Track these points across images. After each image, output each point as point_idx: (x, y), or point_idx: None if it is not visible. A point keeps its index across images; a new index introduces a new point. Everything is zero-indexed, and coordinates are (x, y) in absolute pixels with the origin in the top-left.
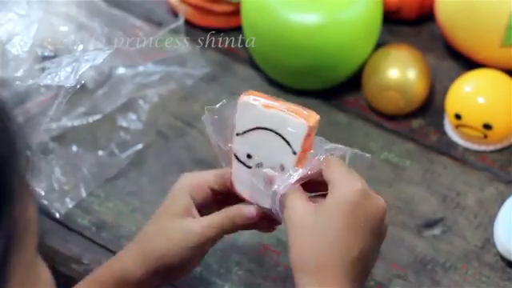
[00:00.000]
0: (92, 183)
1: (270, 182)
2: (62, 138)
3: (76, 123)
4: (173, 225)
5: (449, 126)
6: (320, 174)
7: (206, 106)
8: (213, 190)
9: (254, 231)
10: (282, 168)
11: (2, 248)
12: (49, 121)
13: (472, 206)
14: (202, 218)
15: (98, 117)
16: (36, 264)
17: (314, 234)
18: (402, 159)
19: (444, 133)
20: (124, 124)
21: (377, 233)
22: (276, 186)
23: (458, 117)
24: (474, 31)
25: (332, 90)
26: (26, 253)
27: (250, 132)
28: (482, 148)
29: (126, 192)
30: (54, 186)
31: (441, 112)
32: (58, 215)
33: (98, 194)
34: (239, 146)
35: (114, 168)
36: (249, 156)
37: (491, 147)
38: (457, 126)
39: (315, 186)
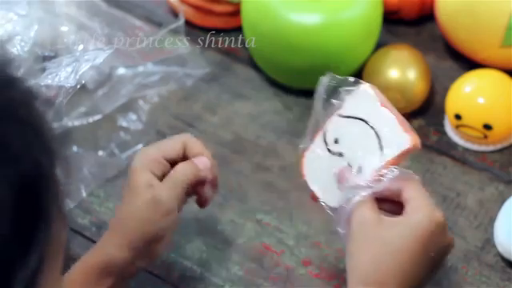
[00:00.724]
0: (92, 183)
1: (342, 179)
2: (63, 138)
3: (76, 123)
4: (141, 200)
5: (449, 127)
6: (394, 192)
7: (206, 106)
8: (170, 161)
9: (254, 231)
10: (360, 170)
11: (34, 269)
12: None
13: (472, 207)
14: (162, 184)
15: (98, 117)
16: (60, 284)
17: (382, 250)
18: None
19: (444, 133)
20: (124, 124)
21: (438, 267)
22: (350, 193)
23: (458, 117)
24: (474, 31)
25: None
26: (54, 273)
27: (352, 120)
28: (482, 148)
29: None
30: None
31: (441, 112)
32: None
33: (98, 194)
34: (334, 126)
35: (114, 168)
36: (336, 141)
37: (491, 147)
38: (457, 126)
39: (383, 202)
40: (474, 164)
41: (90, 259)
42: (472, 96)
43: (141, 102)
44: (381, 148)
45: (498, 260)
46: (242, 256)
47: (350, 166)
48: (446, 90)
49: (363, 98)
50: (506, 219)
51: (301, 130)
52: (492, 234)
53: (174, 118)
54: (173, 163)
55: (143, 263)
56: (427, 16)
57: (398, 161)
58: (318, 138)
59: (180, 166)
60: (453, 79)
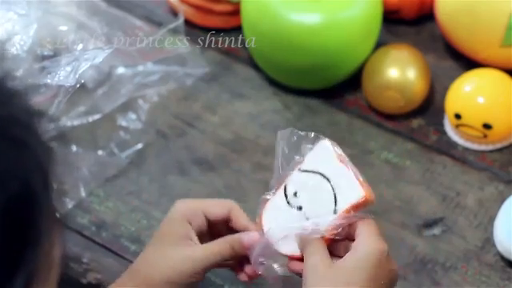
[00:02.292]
0: (92, 183)
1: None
2: (62, 137)
3: (76, 123)
4: (175, 253)
5: (449, 126)
6: (348, 235)
7: (205, 105)
8: (207, 219)
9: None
10: (317, 224)
11: (22, 286)
12: (48, 120)
13: (472, 206)
14: (203, 246)
15: (97, 116)
16: None
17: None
18: (402, 159)
19: (444, 132)
20: (124, 123)
21: None
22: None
23: (457, 116)
24: (474, 31)
25: (332, 89)
26: None
27: (312, 174)
28: (482, 148)
29: (126, 192)
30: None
31: (441, 112)
32: (57, 214)
33: (97, 194)
34: (294, 180)
35: (114, 168)
36: (295, 194)
37: (491, 147)
38: (457, 126)
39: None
40: (473, 163)
41: None
42: (472, 95)
43: (140, 102)
44: (335, 201)
45: (498, 259)
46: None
47: (307, 218)
48: (445, 89)
49: (322, 153)
50: (505, 218)
51: (300, 129)
52: (492, 233)
53: (174, 117)
54: (211, 225)
55: None
56: (427, 16)
57: (351, 211)
58: (280, 191)
59: (229, 239)
60: (452, 79)
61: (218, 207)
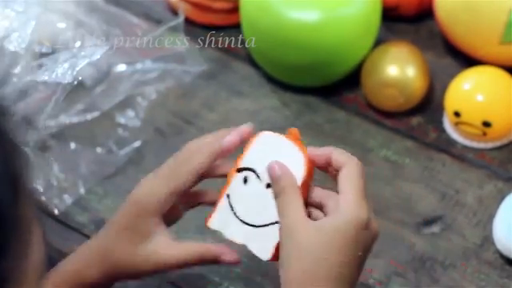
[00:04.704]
0: (90, 180)
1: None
2: (60, 135)
3: (74, 120)
4: (143, 252)
5: (448, 124)
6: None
7: (204, 103)
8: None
9: None
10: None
11: None
12: (47, 118)
13: (471, 204)
14: (174, 248)
15: (96, 114)
16: None
17: (310, 258)
18: (401, 157)
19: (443, 130)
20: (122, 121)
21: (365, 258)
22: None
23: (457, 114)
24: (473, 28)
25: (331, 87)
26: None
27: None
28: (481, 145)
29: (125, 189)
30: (52, 183)
31: (440, 109)
32: (56, 212)
33: (96, 192)
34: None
35: (113, 165)
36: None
37: (490, 145)
38: (456, 124)
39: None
40: (472, 161)
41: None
42: (471, 93)
43: (139, 99)
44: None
45: (497, 257)
46: (240, 254)
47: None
48: (445, 87)
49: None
50: (504, 216)
51: (299, 127)
52: (491, 231)
53: (172, 115)
54: None
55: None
56: (426, 13)
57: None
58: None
59: (200, 249)
60: (452, 76)
61: (186, 177)
